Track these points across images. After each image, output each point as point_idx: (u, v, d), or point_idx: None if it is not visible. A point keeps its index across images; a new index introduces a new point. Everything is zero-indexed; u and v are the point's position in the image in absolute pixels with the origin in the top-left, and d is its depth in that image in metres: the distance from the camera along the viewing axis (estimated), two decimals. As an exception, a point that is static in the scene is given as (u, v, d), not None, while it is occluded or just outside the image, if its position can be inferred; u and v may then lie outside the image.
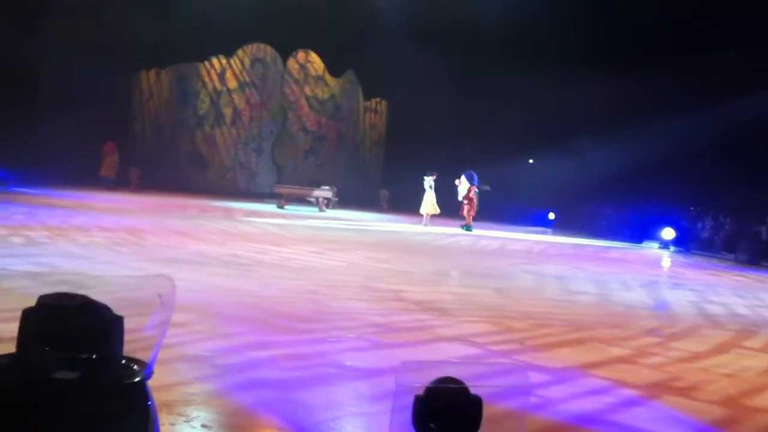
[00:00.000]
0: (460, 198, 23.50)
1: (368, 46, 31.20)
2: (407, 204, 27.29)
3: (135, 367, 1.78)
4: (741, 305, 11.37)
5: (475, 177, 23.66)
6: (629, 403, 5.16)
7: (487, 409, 1.79)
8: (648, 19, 27.14)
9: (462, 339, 6.74)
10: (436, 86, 31.18)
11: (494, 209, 27.82)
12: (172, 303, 1.90)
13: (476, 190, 23.43)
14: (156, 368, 1.74)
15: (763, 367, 6.95)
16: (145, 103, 34.73)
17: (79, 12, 27.74)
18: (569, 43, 27.95)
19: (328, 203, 27.28)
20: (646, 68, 25.71)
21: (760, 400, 5.65)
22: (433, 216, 23.63)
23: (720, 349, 7.55)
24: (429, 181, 23.62)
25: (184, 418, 3.92)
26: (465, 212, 23.35)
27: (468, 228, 23.00)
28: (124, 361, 1.79)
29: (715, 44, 25.03)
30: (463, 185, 23.41)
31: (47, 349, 1.66)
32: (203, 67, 34.24)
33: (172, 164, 33.20)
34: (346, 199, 29.27)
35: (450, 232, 22.16)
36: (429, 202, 23.56)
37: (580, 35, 27.88)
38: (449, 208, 24.14)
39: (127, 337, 1.82)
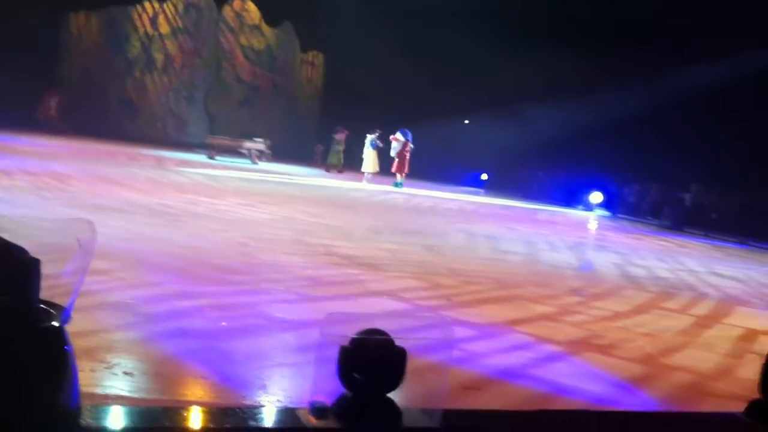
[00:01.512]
0: (392, 154, 23.63)
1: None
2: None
3: (52, 311, 1.73)
4: (662, 268, 11.76)
5: (409, 134, 23.79)
6: (551, 359, 5.29)
7: (412, 361, 1.80)
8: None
9: (390, 294, 6.79)
10: (375, 42, 30.95)
11: (428, 168, 28.00)
12: (92, 248, 1.84)
13: (411, 146, 23.58)
14: (77, 315, 1.68)
15: (681, 327, 7.21)
16: (73, 46, 33.54)
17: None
18: (513, 10, 28.04)
19: (261, 156, 27.02)
20: (584, 38, 25.99)
21: (676, 359, 5.86)
22: (374, 174, 23.73)
23: (640, 310, 7.80)
24: (371, 139, 23.70)
25: (105, 365, 3.86)
26: (396, 169, 23.53)
27: (399, 185, 23.17)
28: (41, 306, 1.74)
29: (648, 14, 25.44)
30: (398, 141, 23.52)
31: (-42, 291, 1.59)
32: (135, 11, 33.22)
33: (101, 110, 32.27)
34: (279, 153, 29.02)
35: (384, 189, 22.22)
36: (370, 161, 23.66)
37: (522, 5, 28.00)
38: (386, 167, 24.25)
39: (45, 282, 1.76)
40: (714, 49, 24.03)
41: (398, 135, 23.76)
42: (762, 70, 22.85)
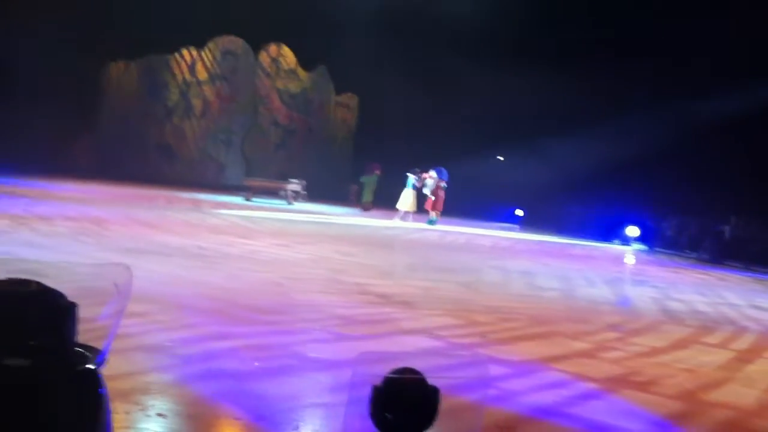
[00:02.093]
0: (426, 192, 23.69)
1: (340, 41, 31.13)
2: (376, 199, 27.36)
3: (88, 354, 1.78)
4: (702, 302, 11.56)
5: (445, 173, 23.85)
6: (588, 397, 5.22)
7: (446, 400, 1.80)
8: (616, 18, 27.38)
9: (425, 332, 6.77)
10: (407, 82, 31.20)
11: (462, 205, 27.95)
12: (129, 292, 1.89)
13: (443, 185, 23.63)
14: (113, 358, 1.73)
15: (721, 362, 7.07)
16: (113, 94, 34.29)
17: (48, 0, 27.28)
18: (540, 43, 28.15)
19: (297, 196, 27.23)
20: (615, 67, 25.93)
21: (717, 395, 5.74)
22: (410, 213, 23.78)
23: (679, 345, 7.67)
24: (414, 179, 23.84)
25: (140, 407, 3.90)
26: (431, 206, 23.58)
27: (432, 221, 23.19)
28: (77, 349, 1.78)
29: (681, 43, 25.35)
30: (433, 179, 23.59)
31: (-1, 335, 1.64)
32: (173, 59, 33.92)
33: (139, 156, 32.83)
34: (315, 193, 29.21)
35: (418, 226, 22.23)
36: (408, 200, 23.73)
37: (551, 34, 28.09)
38: (421, 204, 24.33)
39: (82, 326, 1.81)
40: (747, 73, 23.83)
41: (432, 173, 23.84)
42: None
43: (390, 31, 30.39)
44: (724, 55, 23.61)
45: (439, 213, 23.70)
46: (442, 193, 23.72)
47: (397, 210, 23.94)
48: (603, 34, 27.12)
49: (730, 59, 23.61)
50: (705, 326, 9.13)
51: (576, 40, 27.63)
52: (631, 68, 25.88)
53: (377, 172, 27.43)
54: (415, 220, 23.38)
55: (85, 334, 1.83)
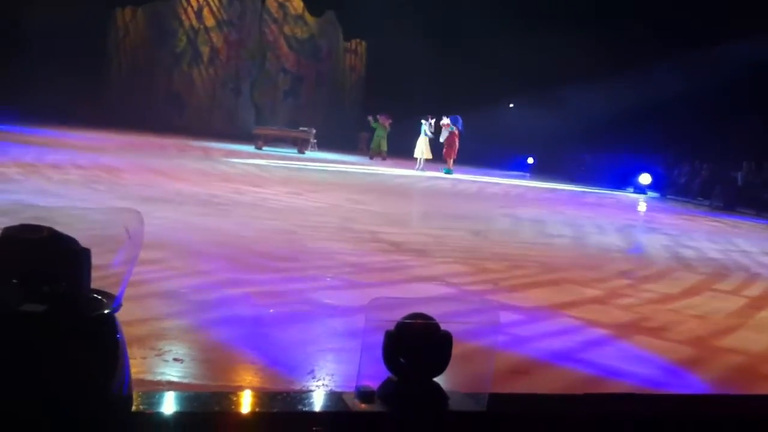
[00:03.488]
0: (441, 140, 23.57)
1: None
2: (389, 148, 27.26)
3: (103, 299, 1.77)
4: (714, 249, 11.54)
5: (460, 121, 23.69)
6: (599, 342, 5.24)
7: (457, 345, 1.80)
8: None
9: (436, 279, 6.80)
10: (417, 29, 30.79)
11: (474, 153, 27.82)
12: (140, 238, 1.88)
13: (459, 131, 23.47)
14: (129, 304, 1.73)
15: (732, 309, 7.08)
16: (120, 41, 34.07)
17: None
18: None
19: (307, 145, 27.16)
20: (628, 17, 25.55)
21: (728, 341, 5.76)
22: (428, 161, 23.68)
23: (691, 292, 7.67)
24: (425, 126, 23.68)
25: (156, 352, 3.94)
26: (446, 155, 23.47)
27: (449, 171, 23.11)
28: (92, 294, 1.78)
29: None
30: (449, 127, 23.46)
31: (13, 281, 1.64)
32: (180, 5, 33.60)
33: (148, 104, 32.78)
34: (325, 142, 29.13)
35: (429, 175, 22.18)
36: (422, 147, 23.62)
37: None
38: (436, 152, 24.25)
39: (95, 273, 1.80)
40: (761, 22, 23.40)
41: (447, 121, 23.67)
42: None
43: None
44: (737, 2, 23.17)
45: (453, 161, 23.59)
46: (456, 141, 23.60)
47: (415, 159, 23.85)
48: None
49: (744, 6, 23.14)
50: (717, 273, 9.13)
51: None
52: (645, 17, 25.45)
53: (387, 124, 27.15)
54: (428, 168, 23.31)
55: (98, 281, 1.82)
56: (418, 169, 23.14)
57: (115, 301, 1.76)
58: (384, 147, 27.38)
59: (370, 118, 27.41)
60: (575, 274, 7.93)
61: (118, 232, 1.84)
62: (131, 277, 1.82)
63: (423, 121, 23.91)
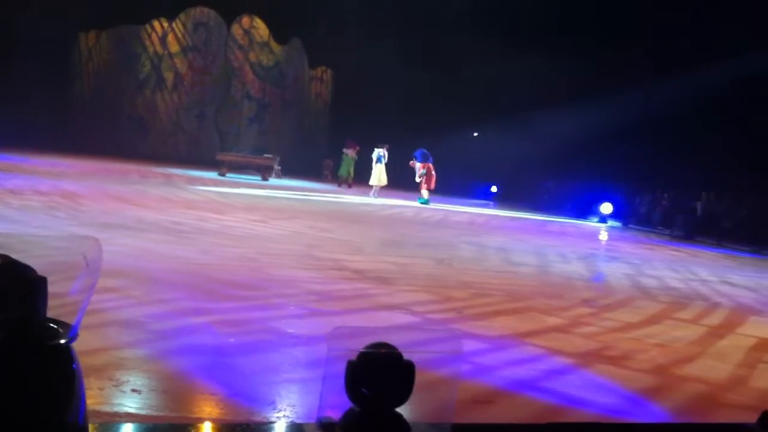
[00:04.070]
0: (417, 179, 23.53)
1: (314, 13, 30.87)
2: (356, 175, 27.29)
3: (59, 329, 1.74)
4: (674, 278, 11.69)
5: (428, 154, 23.69)
6: (562, 371, 5.26)
7: (420, 375, 1.79)
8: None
9: (400, 307, 6.78)
10: (383, 57, 31.05)
11: (438, 181, 27.96)
12: (99, 265, 1.84)
13: (430, 165, 23.50)
14: (87, 333, 1.69)
15: (693, 337, 7.16)
16: (84, 65, 33.83)
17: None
18: (514, 18, 28.08)
19: (271, 172, 27.09)
20: (588, 45, 25.99)
21: (689, 370, 5.81)
22: (381, 188, 23.70)
23: (652, 320, 7.75)
24: (378, 153, 23.68)
25: (113, 382, 3.86)
26: (423, 186, 23.52)
27: (425, 201, 23.17)
28: (48, 323, 1.74)
29: (654, 21, 25.43)
30: (416, 165, 23.51)
31: (-34, 310, 1.60)
32: (144, 30, 33.49)
33: (111, 129, 32.50)
34: (290, 169, 29.10)
35: (393, 203, 22.22)
36: (377, 174, 23.62)
37: (525, 10, 28.03)
38: (398, 180, 24.30)
39: (53, 301, 1.76)
40: (720, 52, 23.97)
41: (413, 161, 23.62)
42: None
43: (365, 5, 30.18)
44: (692, 34, 23.72)
45: (429, 191, 23.58)
46: (433, 171, 23.61)
47: (370, 186, 23.89)
48: (578, 13, 27.13)
49: (699, 38, 23.70)
50: (677, 302, 9.24)
51: (549, 17, 27.62)
52: (605, 47, 25.93)
53: (352, 152, 27.26)
54: (382, 195, 23.34)
55: (55, 309, 1.78)
56: (372, 196, 23.16)
57: (71, 331, 1.73)
58: (350, 174, 27.45)
59: (344, 150, 27.68)
60: (539, 303, 7.98)
61: (76, 259, 1.81)
62: (89, 306, 1.78)
63: (377, 149, 23.92)
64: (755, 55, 23.45)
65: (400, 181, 25.42)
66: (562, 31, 26.96)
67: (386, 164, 23.72)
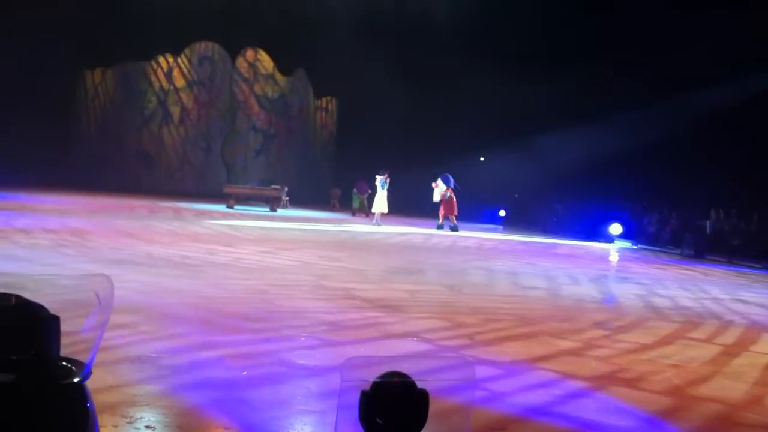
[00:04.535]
0: (436, 200, 23.65)
1: (318, 45, 31.08)
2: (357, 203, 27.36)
3: (72, 367, 1.75)
4: (687, 298, 11.61)
5: (451, 179, 23.82)
6: (577, 395, 5.22)
7: (434, 403, 1.78)
8: (597, 16, 27.47)
9: (412, 335, 6.76)
10: (387, 85, 31.22)
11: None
12: (111, 302, 1.86)
13: (454, 189, 23.62)
14: (100, 370, 1.69)
15: (707, 357, 7.10)
16: (90, 102, 34.13)
17: (19, 6, 26.95)
18: (520, 42, 28.20)
19: (279, 202, 27.13)
20: (594, 66, 26.05)
21: (704, 389, 5.76)
22: (383, 215, 23.66)
23: (666, 341, 7.69)
24: (380, 180, 23.66)
25: (127, 420, 3.85)
26: (441, 212, 23.59)
27: (440, 227, 23.23)
28: (61, 362, 1.75)
29: (662, 41, 25.49)
30: (439, 188, 23.60)
31: (-19, 351, 1.61)
32: (149, 66, 33.80)
33: (118, 165, 32.69)
34: (297, 199, 29.15)
35: (402, 230, 22.22)
36: (380, 201, 23.60)
37: (531, 33, 28.17)
38: (403, 207, 24.30)
39: (66, 339, 1.78)
40: (724, 69, 24.01)
41: (439, 181, 23.80)
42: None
43: (367, 34, 30.37)
44: (701, 52, 23.76)
45: (452, 217, 23.64)
46: (454, 198, 23.70)
47: (372, 214, 23.84)
48: (582, 33, 27.24)
49: (708, 56, 23.76)
50: (690, 321, 9.17)
51: (559, 38, 27.74)
52: (610, 67, 25.98)
53: (360, 194, 28.05)
54: (387, 222, 23.33)
55: (69, 347, 1.79)
56: (375, 224, 23.12)
57: (84, 369, 1.74)
58: (364, 204, 27.77)
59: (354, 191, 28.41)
60: (550, 326, 7.93)
61: (88, 297, 1.82)
62: (102, 343, 1.79)
63: (378, 176, 23.88)
64: (758, 72, 23.51)
65: (406, 207, 25.45)
66: (564, 54, 27.04)
67: (388, 190, 23.73)
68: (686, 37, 24.43)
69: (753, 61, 23.36)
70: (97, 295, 1.85)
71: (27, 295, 1.68)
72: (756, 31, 22.10)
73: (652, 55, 25.74)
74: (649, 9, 25.49)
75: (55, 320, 1.70)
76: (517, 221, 30.14)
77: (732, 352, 7.50)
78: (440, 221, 23.52)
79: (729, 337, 8.34)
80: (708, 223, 23.26)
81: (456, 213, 23.67)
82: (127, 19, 28.55)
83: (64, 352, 1.79)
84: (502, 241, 21.88)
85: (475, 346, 6.52)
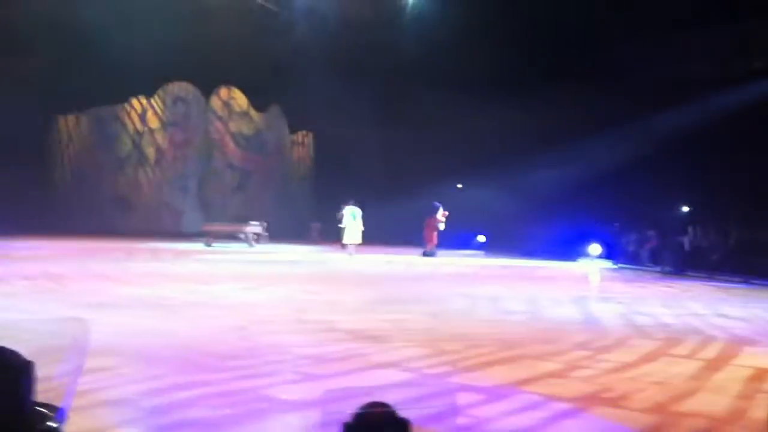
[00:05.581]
0: (442, 227, 24.18)
1: (292, 80, 31.24)
2: (338, 235, 27.28)
3: (47, 412, 1.73)
4: (668, 315, 11.67)
5: (438, 207, 24.31)
6: (561, 416, 5.21)
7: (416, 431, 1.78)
8: (567, 39, 27.81)
9: (395, 365, 6.73)
10: (362, 117, 31.39)
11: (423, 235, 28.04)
12: (86, 346, 1.85)
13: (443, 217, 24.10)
14: (78, 414, 1.68)
15: (690, 373, 7.13)
16: (64, 148, 34.02)
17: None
18: (492, 69, 28.47)
19: (258, 238, 27.08)
20: (568, 88, 26.32)
21: (688, 405, 5.78)
22: (357, 246, 23.46)
23: (648, 358, 7.72)
24: (351, 211, 23.51)
25: (108, 465, 3.80)
26: (429, 239, 23.94)
27: (429, 254, 23.52)
28: (36, 407, 1.73)
29: (634, 61, 25.84)
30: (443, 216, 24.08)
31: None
32: (123, 109, 33.80)
33: (96, 208, 32.53)
34: (276, 234, 29.09)
35: (382, 259, 22.21)
36: (352, 232, 23.43)
37: (503, 60, 28.44)
38: (381, 236, 24.29)
39: (42, 384, 1.76)
40: (695, 89, 24.35)
41: (441, 209, 24.34)
42: (744, 104, 23.17)
43: (341, 68, 30.58)
44: (671, 72, 24.14)
45: (432, 245, 24.12)
46: (437, 225, 24.21)
47: (344, 245, 23.58)
48: (555, 57, 27.55)
49: (678, 77, 24.12)
50: (672, 338, 9.21)
51: (532, 62, 28.03)
52: (583, 90, 26.28)
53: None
54: (359, 252, 23.24)
55: (44, 393, 1.77)
56: (348, 254, 23.01)
57: (59, 414, 1.72)
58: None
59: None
60: (533, 349, 7.94)
61: (63, 341, 1.81)
62: (80, 387, 1.77)
63: (347, 207, 23.61)
64: (730, 91, 23.89)
65: (383, 236, 25.48)
66: (536, 80, 27.33)
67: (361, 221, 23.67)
68: (654, 59, 24.82)
69: (726, 79, 23.78)
70: (73, 340, 1.84)
71: (3, 342, 1.67)
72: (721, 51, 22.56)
73: (623, 76, 26.06)
74: (616, 34, 25.84)
75: (30, 366, 1.69)
76: (498, 245, 30.24)
77: (714, 366, 7.53)
78: (427, 248, 23.88)
79: (711, 352, 8.38)
80: (686, 240, 23.47)
81: (435, 242, 23.90)
82: (100, 63, 28.54)
83: (40, 397, 1.77)
84: (482, 267, 21.93)
85: (458, 373, 6.50)
